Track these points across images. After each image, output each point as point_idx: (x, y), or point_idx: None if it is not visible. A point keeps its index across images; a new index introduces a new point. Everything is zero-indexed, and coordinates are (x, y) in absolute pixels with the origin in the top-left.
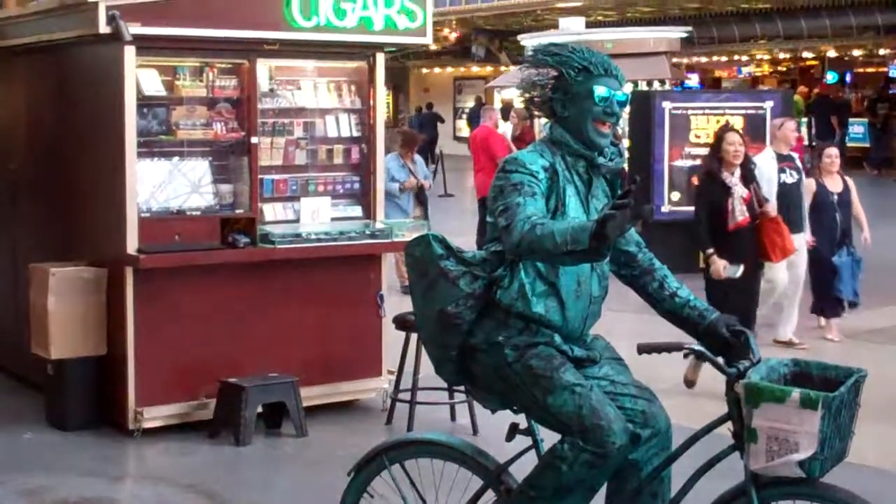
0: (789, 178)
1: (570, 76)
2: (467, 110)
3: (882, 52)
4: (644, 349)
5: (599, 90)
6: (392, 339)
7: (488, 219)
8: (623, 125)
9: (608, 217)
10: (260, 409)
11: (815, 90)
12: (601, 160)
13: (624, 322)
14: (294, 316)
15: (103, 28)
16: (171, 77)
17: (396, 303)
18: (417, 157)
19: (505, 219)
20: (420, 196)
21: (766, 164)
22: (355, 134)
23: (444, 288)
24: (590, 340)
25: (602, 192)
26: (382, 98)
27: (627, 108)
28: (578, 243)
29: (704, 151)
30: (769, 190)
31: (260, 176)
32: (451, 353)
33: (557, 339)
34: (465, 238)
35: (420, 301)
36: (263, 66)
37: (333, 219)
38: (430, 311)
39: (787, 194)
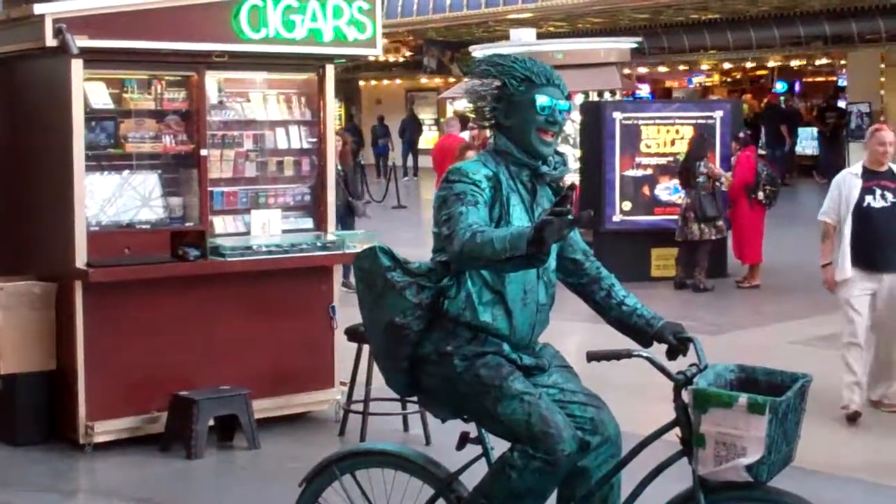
0: (878, 201)
1: (513, 86)
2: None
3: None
4: (593, 357)
5: (541, 99)
6: (344, 350)
7: (433, 229)
8: (574, 136)
9: (545, 223)
10: (212, 422)
11: (765, 99)
12: (545, 169)
13: (573, 330)
14: (245, 328)
15: (50, 41)
16: (119, 90)
17: (348, 314)
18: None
19: (448, 228)
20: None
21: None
22: (306, 146)
23: (391, 299)
24: (539, 348)
25: (547, 201)
26: (332, 110)
27: (579, 119)
28: (517, 249)
29: (655, 161)
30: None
31: (210, 188)
32: (401, 364)
33: (506, 347)
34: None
35: (368, 313)
36: (212, 79)
37: (284, 231)
38: (378, 322)
39: (873, 220)
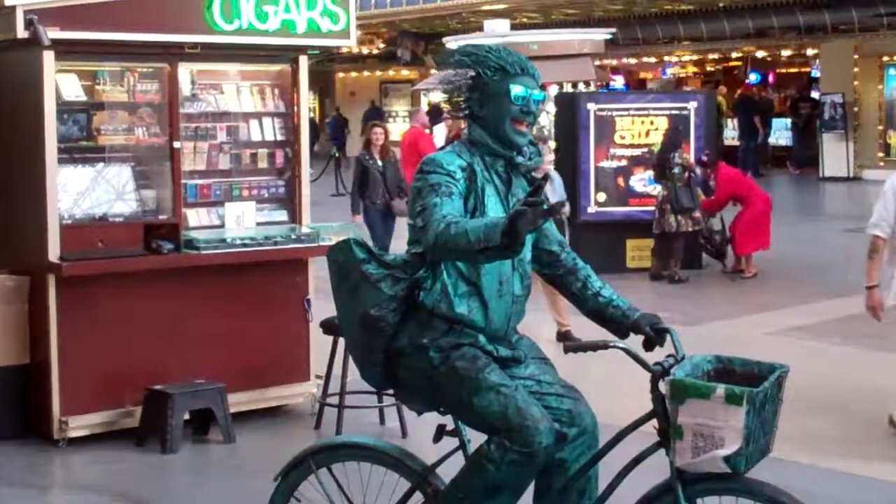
0: None
1: (487, 75)
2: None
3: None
4: (570, 348)
5: (516, 89)
6: (320, 343)
7: (408, 221)
8: (549, 127)
9: (519, 213)
10: (187, 416)
11: (739, 90)
12: (520, 159)
13: (550, 321)
14: (220, 322)
15: (21, 32)
16: (91, 82)
17: (323, 307)
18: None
19: (422, 219)
20: None
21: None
22: (280, 138)
23: (366, 291)
24: (515, 340)
25: (522, 192)
26: (306, 101)
27: (553, 111)
28: (491, 240)
29: (630, 153)
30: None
31: (183, 181)
32: (376, 356)
33: (482, 339)
34: (395, 242)
35: (343, 306)
36: (185, 70)
37: (258, 223)
38: (353, 315)
39: None
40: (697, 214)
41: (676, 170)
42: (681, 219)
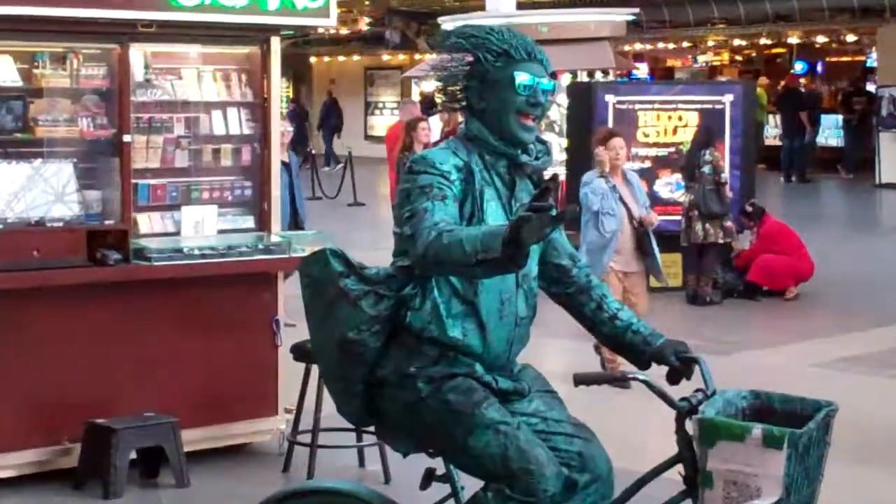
0: None
1: (488, 61)
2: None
3: (857, 38)
4: (581, 380)
5: (521, 77)
6: (290, 371)
7: (394, 229)
8: (560, 122)
9: (523, 220)
10: (133, 455)
11: (782, 82)
12: (525, 158)
13: (558, 348)
14: (174, 345)
15: None
16: (28, 65)
17: (294, 329)
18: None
19: (410, 227)
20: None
21: None
22: (246, 131)
23: (343, 311)
24: (517, 370)
25: (527, 195)
26: (278, 90)
27: (565, 103)
28: (490, 251)
29: (654, 152)
30: None
31: (133, 181)
32: (355, 387)
33: (479, 368)
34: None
35: (317, 328)
36: (138, 52)
37: (221, 231)
38: (328, 338)
39: None
40: (730, 224)
41: (706, 169)
42: (709, 227)
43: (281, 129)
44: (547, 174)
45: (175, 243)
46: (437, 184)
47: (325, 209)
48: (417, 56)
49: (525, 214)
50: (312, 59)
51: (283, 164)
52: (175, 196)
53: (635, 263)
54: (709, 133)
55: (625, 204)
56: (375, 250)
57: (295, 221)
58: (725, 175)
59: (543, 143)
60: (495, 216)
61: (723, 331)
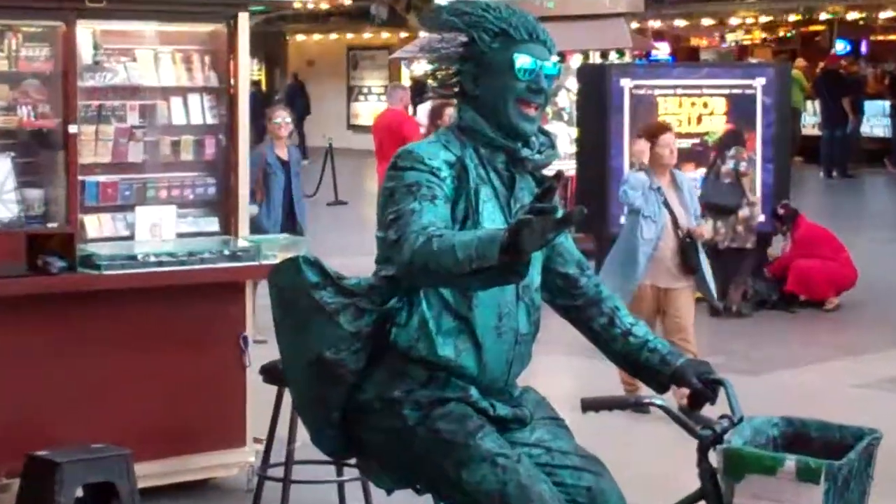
0: None
1: (484, 42)
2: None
3: None
4: (590, 406)
5: (522, 60)
6: (260, 396)
7: (377, 233)
8: (570, 109)
9: (523, 224)
10: (80, 493)
11: (821, 63)
12: (526, 152)
13: (564, 368)
14: (127, 366)
15: None
16: None
17: (265, 346)
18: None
19: (395, 231)
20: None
21: None
22: (210, 121)
23: (319, 327)
24: (517, 394)
25: (529, 195)
26: (247, 73)
27: (575, 88)
28: (486, 259)
29: (677, 144)
30: None
31: (80, 177)
32: (332, 415)
33: (474, 392)
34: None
35: (289, 347)
36: (86, 31)
37: (180, 234)
38: (302, 358)
39: None
40: (744, 221)
41: (730, 164)
42: (720, 226)
43: (278, 120)
44: (552, 170)
45: (128, 249)
46: (426, 182)
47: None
48: (407, 34)
49: (526, 217)
50: (288, 38)
51: (280, 160)
52: (128, 195)
53: (679, 280)
54: (735, 137)
55: (670, 209)
56: (359, 256)
57: (292, 230)
58: (745, 164)
59: (547, 134)
60: (492, 219)
61: (752, 347)
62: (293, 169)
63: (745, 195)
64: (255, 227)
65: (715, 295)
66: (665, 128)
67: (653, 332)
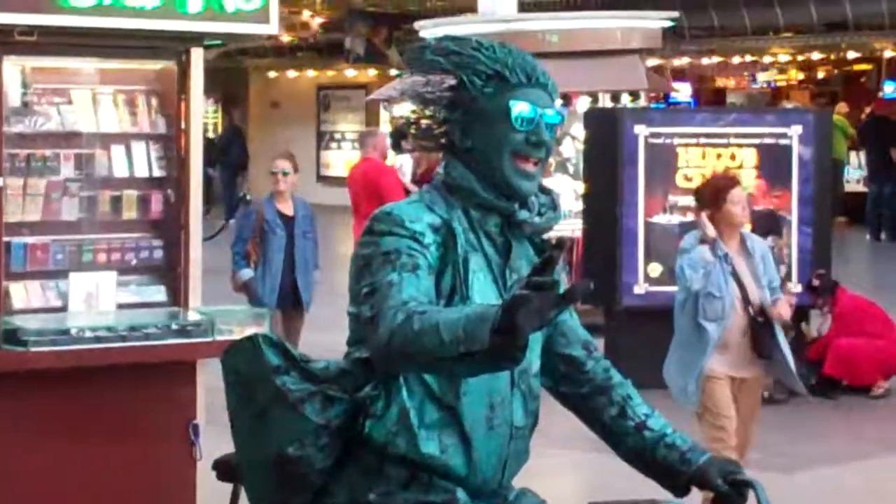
0: None
1: (476, 86)
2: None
3: None
4: None
5: (519, 108)
6: (212, 494)
7: (349, 308)
8: (576, 160)
9: (519, 300)
10: None
11: (868, 108)
12: (524, 215)
13: (568, 466)
14: (58, 459)
15: None
16: None
17: (219, 438)
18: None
19: (371, 307)
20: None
21: None
22: (157, 173)
23: (281, 418)
24: (513, 497)
25: (527, 264)
26: (200, 118)
27: (582, 136)
28: (475, 341)
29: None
30: None
31: (6, 238)
32: None
33: (461, 495)
34: (334, 337)
35: (246, 441)
36: (14, 68)
37: (121, 305)
38: (261, 454)
39: None
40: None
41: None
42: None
43: (277, 170)
44: (554, 235)
45: (60, 323)
46: (407, 249)
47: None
48: (387, 72)
49: (523, 293)
50: (251, 76)
51: (283, 217)
52: (61, 259)
53: (748, 366)
54: (770, 221)
55: (738, 281)
56: (329, 331)
57: (294, 299)
58: (783, 267)
59: (548, 193)
60: (484, 293)
61: (787, 440)
62: (299, 228)
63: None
64: (250, 294)
65: (799, 381)
66: (732, 181)
67: (671, 425)
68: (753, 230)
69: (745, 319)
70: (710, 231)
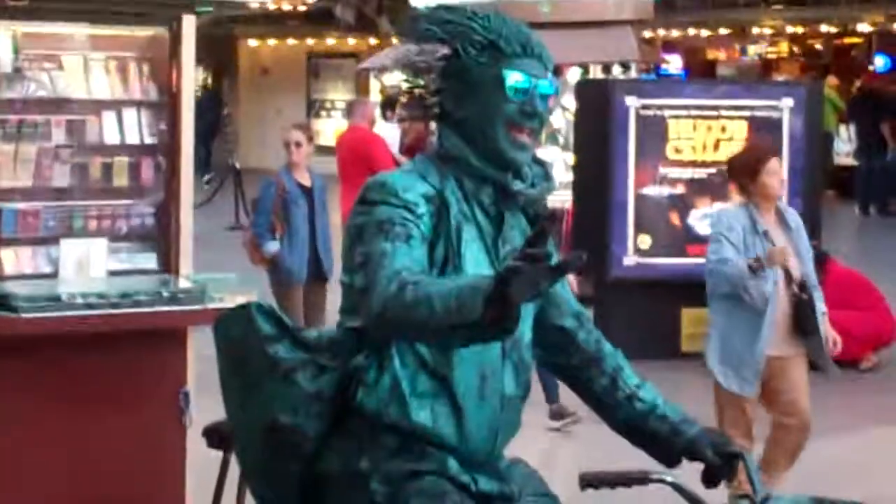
0: None
1: (470, 56)
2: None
3: None
4: (589, 481)
5: (513, 77)
6: (202, 461)
7: (342, 277)
8: (566, 131)
9: (512, 272)
10: None
11: (858, 82)
12: (518, 185)
13: (559, 437)
14: (47, 427)
15: None
16: None
17: (209, 405)
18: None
19: (364, 276)
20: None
21: None
22: (148, 140)
23: (273, 387)
24: (504, 466)
25: (520, 235)
26: (191, 84)
27: (572, 107)
28: (469, 312)
29: (689, 174)
30: None
31: None
32: (289, 488)
33: (453, 464)
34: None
35: (238, 409)
36: (5, 33)
37: (112, 272)
38: (253, 423)
39: None
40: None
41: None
42: None
43: (295, 139)
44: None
45: (51, 289)
46: (400, 219)
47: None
48: (377, 41)
49: (516, 264)
50: (240, 44)
51: (301, 187)
52: (52, 226)
53: (791, 345)
54: None
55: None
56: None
57: (316, 271)
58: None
59: (542, 164)
60: (476, 263)
61: None
62: (318, 198)
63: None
64: (277, 267)
65: (832, 364)
66: (768, 151)
67: (661, 396)
68: None
69: (788, 297)
70: (772, 261)
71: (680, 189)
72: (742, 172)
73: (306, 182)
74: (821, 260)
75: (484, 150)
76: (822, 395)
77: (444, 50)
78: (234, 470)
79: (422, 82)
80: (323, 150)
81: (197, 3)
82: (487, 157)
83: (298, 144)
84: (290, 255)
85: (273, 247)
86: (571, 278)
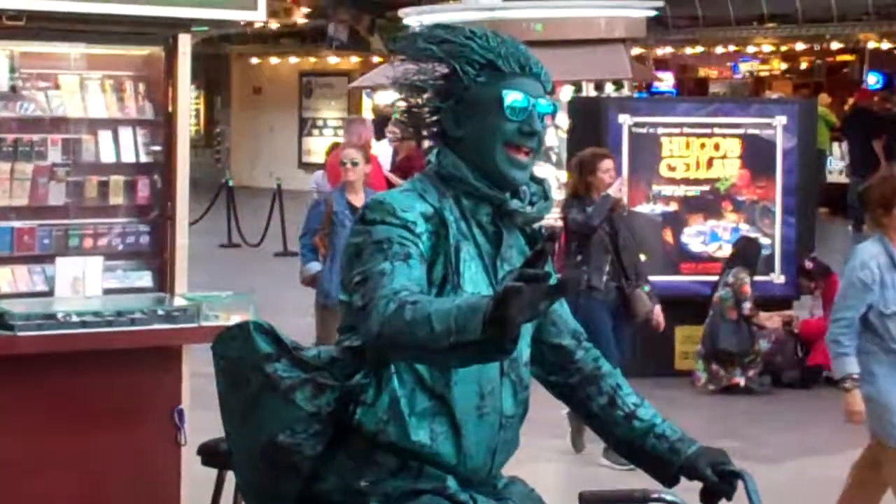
0: None
1: (468, 75)
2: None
3: None
4: (589, 500)
5: (512, 97)
6: (197, 480)
7: (341, 296)
8: (559, 149)
9: (511, 292)
10: None
11: (850, 99)
12: (516, 204)
13: (557, 456)
14: (42, 444)
15: None
16: None
17: (205, 423)
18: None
19: (362, 295)
20: None
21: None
22: (144, 159)
23: (272, 406)
24: (502, 485)
25: (518, 255)
26: (187, 104)
27: (565, 125)
28: (468, 332)
29: (683, 191)
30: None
31: None
32: None
33: (451, 483)
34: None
35: (237, 428)
36: (2, 52)
37: (107, 290)
38: (251, 441)
39: None
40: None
41: (722, 293)
42: (718, 370)
43: (351, 157)
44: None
45: (46, 307)
46: (399, 238)
47: (245, 260)
48: (370, 59)
49: (515, 285)
50: (233, 62)
51: (353, 208)
52: (47, 244)
53: None
54: (748, 248)
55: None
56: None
57: None
58: (748, 304)
59: (540, 183)
60: (475, 282)
61: (771, 431)
62: None
63: (754, 339)
64: (318, 288)
65: None
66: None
67: (660, 414)
68: (734, 254)
69: None
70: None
71: (673, 207)
72: (878, 204)
73: (359, 203)
74: (823, 272)
75: (482, 170)
76: (815, 412)
77: (443, 69)
78: (229, 488)
79: (419, 101)
80: (314, 168)
81: (192, 22)
82: (486, 176)
83: (355, 163)
84: (330, 278)
85: (314, 267)
86: None
